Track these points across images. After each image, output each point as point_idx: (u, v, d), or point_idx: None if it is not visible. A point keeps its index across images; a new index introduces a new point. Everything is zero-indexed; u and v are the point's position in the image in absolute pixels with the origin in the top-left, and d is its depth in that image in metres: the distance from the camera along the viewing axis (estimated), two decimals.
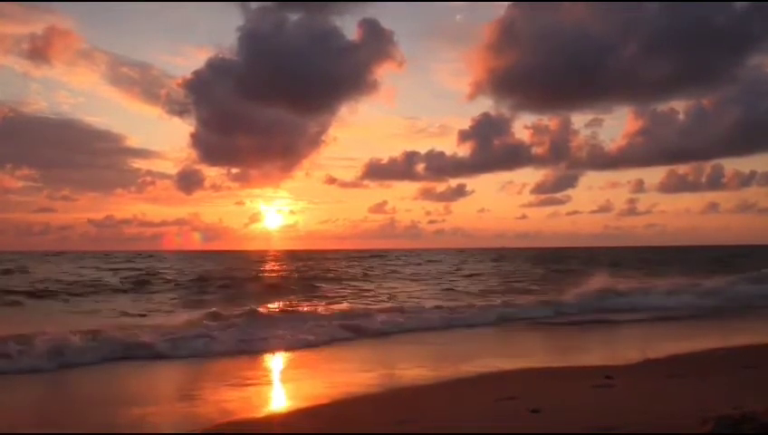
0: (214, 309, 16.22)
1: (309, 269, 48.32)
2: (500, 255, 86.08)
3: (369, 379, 9.54)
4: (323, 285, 30.83)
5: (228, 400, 8.16)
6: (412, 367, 10.60)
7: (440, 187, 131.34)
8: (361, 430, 6.28)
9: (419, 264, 59.76)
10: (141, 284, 30.63)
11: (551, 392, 7.65)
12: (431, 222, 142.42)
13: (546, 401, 6.87)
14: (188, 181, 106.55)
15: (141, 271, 41.40)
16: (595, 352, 12.69)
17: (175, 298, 24.37)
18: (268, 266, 55.83)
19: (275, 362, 11.69)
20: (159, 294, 26.40)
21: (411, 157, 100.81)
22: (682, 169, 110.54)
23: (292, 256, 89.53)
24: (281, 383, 9.84)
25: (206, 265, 56.79)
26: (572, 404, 6.83)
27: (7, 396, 9.06)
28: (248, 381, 9.51)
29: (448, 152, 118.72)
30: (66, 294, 24.31)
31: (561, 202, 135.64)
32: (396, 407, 7.38)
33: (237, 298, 23.16)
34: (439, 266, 53.29)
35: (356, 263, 59.89)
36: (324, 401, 7.94)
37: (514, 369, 10.04)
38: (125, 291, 27.17)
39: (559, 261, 61.80)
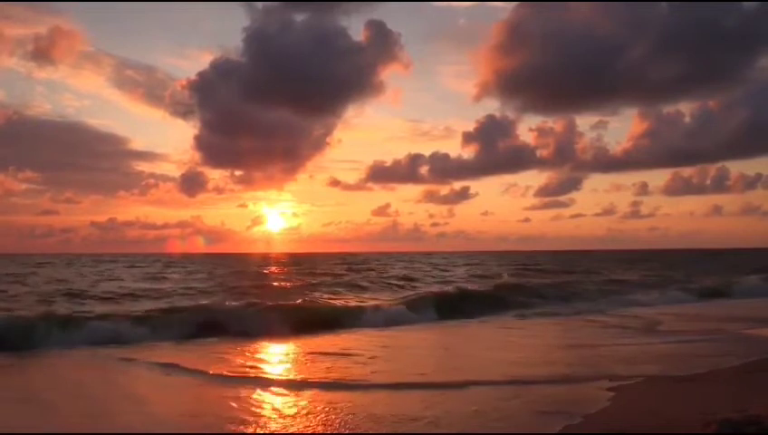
0: None
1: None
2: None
3: None
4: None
5: None
6: None
7: (444, 189, 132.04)
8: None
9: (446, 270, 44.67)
10: None
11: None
12: (434, 225, 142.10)
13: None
14: (192, 184, 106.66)
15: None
16: None
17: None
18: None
19: None
20: None
21: (415, 159, 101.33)
22: (687, 171, 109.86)
23: (314, 260, 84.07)
24: None
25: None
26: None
27: None
28: None
29: (452, 155, 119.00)
30: None
31: (564, 205, 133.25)
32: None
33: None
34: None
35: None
36: None
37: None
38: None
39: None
